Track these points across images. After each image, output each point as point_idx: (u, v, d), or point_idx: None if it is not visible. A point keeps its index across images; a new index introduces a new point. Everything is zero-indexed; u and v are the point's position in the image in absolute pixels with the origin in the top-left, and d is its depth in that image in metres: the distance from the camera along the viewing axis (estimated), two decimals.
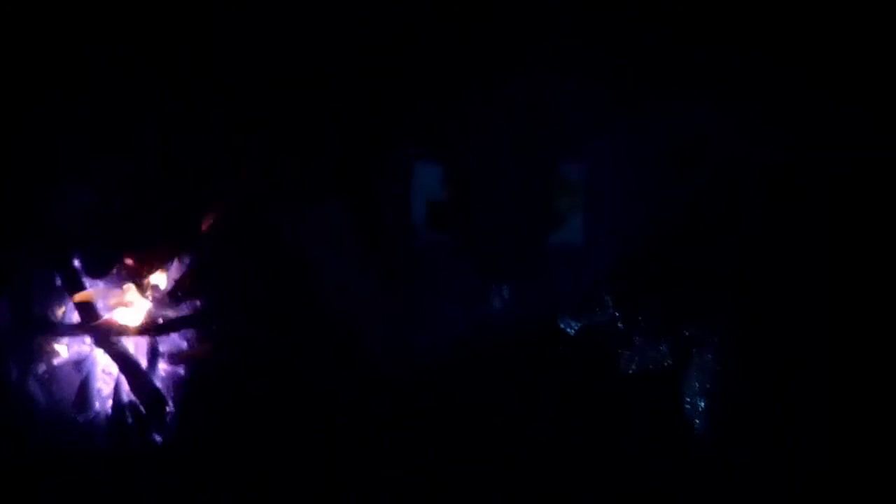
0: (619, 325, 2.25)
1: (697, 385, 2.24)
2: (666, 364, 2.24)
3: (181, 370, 2.23)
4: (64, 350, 2.28)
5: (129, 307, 2.27)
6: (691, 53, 2.17)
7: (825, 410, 2.17)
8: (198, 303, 2.25)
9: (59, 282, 2.28)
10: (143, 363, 2.23)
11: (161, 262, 2.28)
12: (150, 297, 2.27)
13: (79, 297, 2.25)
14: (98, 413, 2.23)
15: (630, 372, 2.24)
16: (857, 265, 2.20)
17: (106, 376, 2.26)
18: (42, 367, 2.25)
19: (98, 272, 2.29)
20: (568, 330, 2.23)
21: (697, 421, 2.22)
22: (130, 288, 2.28)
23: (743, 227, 2.22)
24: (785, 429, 2.20)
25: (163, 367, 2.24)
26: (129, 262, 2.28)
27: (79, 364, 2.27)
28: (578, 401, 2.19)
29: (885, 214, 2.18)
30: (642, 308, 2.25)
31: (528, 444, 2.14)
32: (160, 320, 2.25)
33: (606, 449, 2.16)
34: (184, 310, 2.26)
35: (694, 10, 2.18)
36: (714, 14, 2.19)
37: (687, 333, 2.25)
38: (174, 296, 2.26)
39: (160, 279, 2.28)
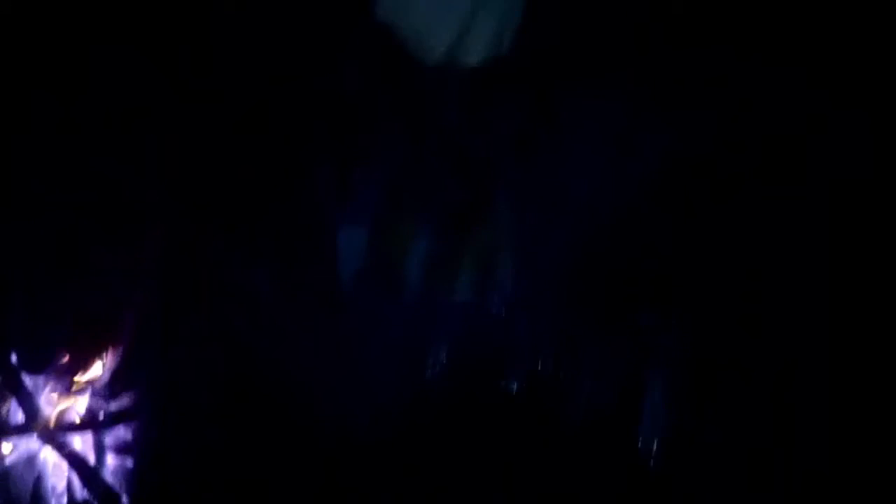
0: (565, 371, 2.21)
1: (650, 423, 2.22)
2: (615, 405, 2.21)
3: (129, 462, 2.24)
4: (13, 449, 2.29)
5: (70, 402, 2.26)
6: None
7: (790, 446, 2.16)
8: (136, 394, 2.24)
9: None
10: (92, 458, 2.24)
11: (95, 355, 2.25)
12: (90, 391, 2.26)
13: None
14: None
15: (580, 419, 2.21)
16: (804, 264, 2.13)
17: (60, 471, 2.28)
18: None
19: (36, 368, 2.27)
20: (514, 385, 2.20)
21: (652, 460, 2.22)
22: (70, 382, 2.26)
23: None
24: (743, 459, 2.19)
25: (111, 460, 2.25)
26: (64, 356, 2.25)
27: (30, 461, 2.28)
28: (530, 457, 2.18)
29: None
30: (585, 352, 2.20)
31: None
32: (101, 414, 2.24)
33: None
34: (124, 401, 2.25)
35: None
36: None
37: (633, 373, 2.22)
38: (112, 388, 2.25)
39: (97, 372, 2.26)
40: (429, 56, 1.62)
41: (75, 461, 2.23)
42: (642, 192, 1.98)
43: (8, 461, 2.28)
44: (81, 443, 2.26)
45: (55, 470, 2.28)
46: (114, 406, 2.25)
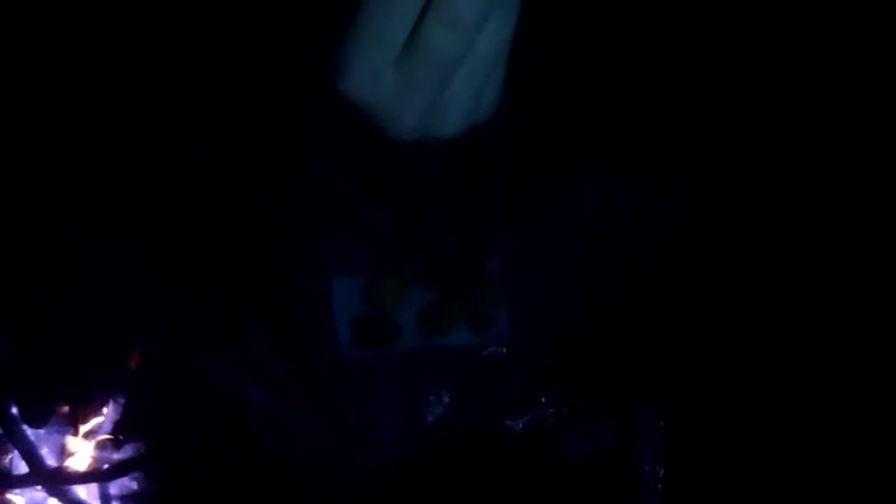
0: (564, 410, 2.20)
1: (650, 454, 2.21)
2: (617, 439, 2.21)
3: None
4: (19, 500, 2.30)
5: (74, 453, 2.27)
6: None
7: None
8: (139, 444, 2.24)
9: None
10: None
11: (96, 406, 2.25)
12: (93, 442, 2.26)
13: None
14: None
15: (582, 456, 2.21)
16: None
17: None
18: None
19: (37, 421, 2.28)
20: (514, 427, 2.19)
21: (658, 486, 2.21)
22: (72, 433, 2.27)
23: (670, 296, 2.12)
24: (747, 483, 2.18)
25: None
26: (64, 408, 2.26)
27: None
28: (532, 497, 2.18)
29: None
30: (584, 391, 2.20)
31: None
32: (105, 465, 2.25)
33: None
34: (127, 451, 2.26)
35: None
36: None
37: (633, 406, 2.21)
38: (115, 438, 2.25)
39: (99, 422, 2.26)
40: (400, 130, 1.59)
41: None
42: (638, 245, 1.95)
43: None
44: (87, 493, 2.27)
45: None
46: (119, 456, 2.25)
